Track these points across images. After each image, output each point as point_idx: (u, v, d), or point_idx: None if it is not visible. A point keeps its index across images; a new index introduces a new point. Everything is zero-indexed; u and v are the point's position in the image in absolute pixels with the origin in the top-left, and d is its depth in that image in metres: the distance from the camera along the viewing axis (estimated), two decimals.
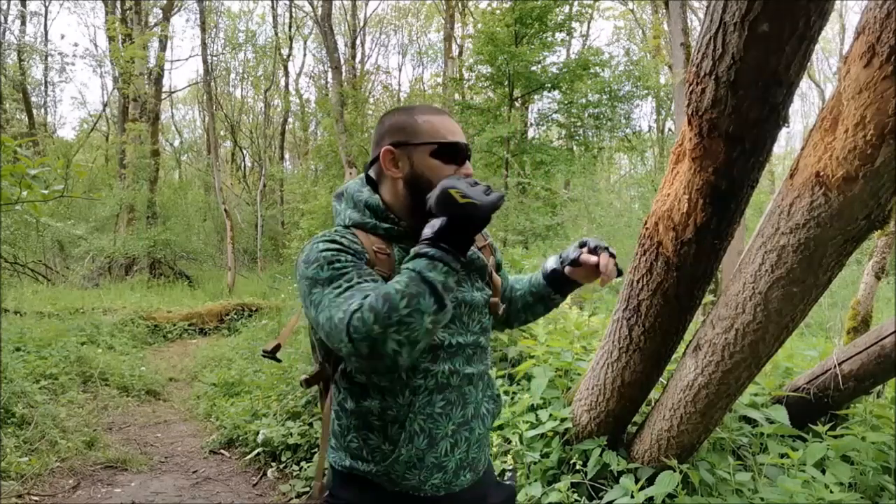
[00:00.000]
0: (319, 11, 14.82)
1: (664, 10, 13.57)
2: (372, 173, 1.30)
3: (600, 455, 2.40)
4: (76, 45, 46.21)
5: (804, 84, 22.71)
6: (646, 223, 1.96)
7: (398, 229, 1.24)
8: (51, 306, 8.70)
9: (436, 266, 1.03)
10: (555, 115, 18.19)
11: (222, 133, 25.73)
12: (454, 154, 1.23)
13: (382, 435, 1.22)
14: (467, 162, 1.25)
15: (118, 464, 4.02)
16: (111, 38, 17.11)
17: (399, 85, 31.74)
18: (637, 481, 2.20)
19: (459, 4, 21.81)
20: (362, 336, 0.99)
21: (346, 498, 1.27)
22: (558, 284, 1.49)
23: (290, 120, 26.63)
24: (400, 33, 29.73)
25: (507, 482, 1.46)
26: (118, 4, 17.44)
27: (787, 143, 24.68)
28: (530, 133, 18.28)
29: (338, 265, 1.12)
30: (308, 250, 1.17)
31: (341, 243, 1.17)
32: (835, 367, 2.52)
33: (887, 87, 1.31)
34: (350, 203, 1.29)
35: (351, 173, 12.63)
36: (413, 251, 1.07)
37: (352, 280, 1.10)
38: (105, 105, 22.55)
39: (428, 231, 1.08)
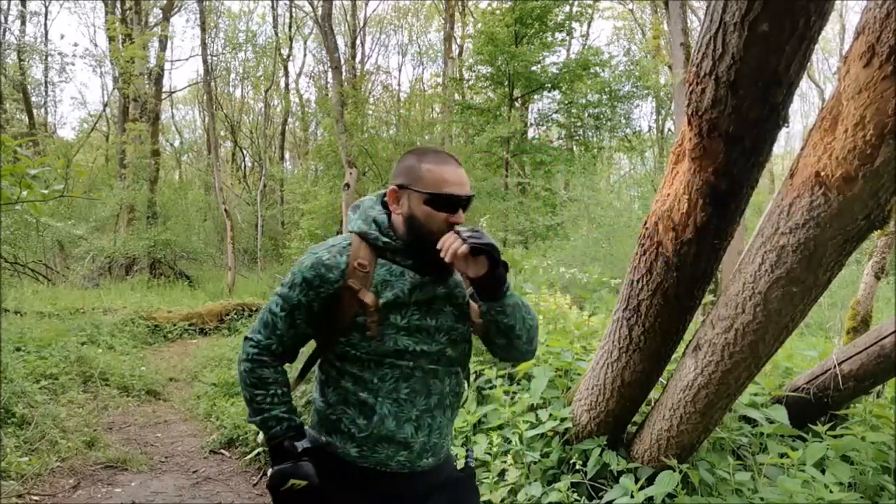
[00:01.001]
0: (319, 11, 14.81)
1: (664, 10, 13.57)
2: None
3: (600, 455, 2.40)
4: (76, 45, 46.21)
5: (804, 84, 22.70)
6: (645, 223, 1.96)
7: (394, 244, 1.43)
8: (51, 306, 8.69)
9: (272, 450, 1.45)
10: (555, 115, 18.18)
11: (222, 133, 25.72)
12: (446, 204, 1.39)
13: (358, 411, 1.41)
14: (460, 211, 1.40)
15: (118, 464, 4.02)
16: (111, 38, 17.11)
17: (399, 85, 31.76)
18: (637, 481, 2.20)
19: (459, 4, 21.80)
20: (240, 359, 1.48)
21: (322, 472, 1.41)
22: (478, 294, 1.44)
23: (291, 120, 26.62)
24: (400, 33, 29.73)
25: (467, 462, 1.61)
26: (118, 4, 17.44)
27: (787, 143, 24.65)
28: (530, 133, 18.28)
29: (291, 294, 1.42)
30: (298, 262, 1.44)
31: (311, 277, 1.40)
32: (834, 367, 2.52)
33: (887, 87, 1.32)
34: (362, 215, 1.48)
35: (351, 173, 12.62)
36: None
37: (277, 314, 1.44)
38: (105, 105, 22.55)
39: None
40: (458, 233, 1.34)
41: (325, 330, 1.44)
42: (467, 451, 1.64)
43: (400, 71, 53.39)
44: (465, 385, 1.57)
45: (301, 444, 1.42)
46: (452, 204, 1.39)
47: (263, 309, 1.47)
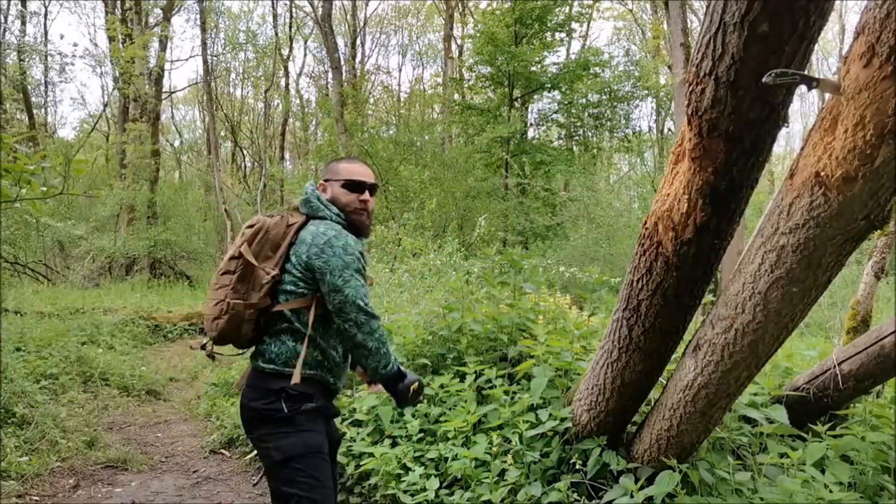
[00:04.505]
0: (320, 12, 14.82)
1: (664, 11, 13.57)
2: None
3: (600, 455, 2.40)
4: (76, 45, 46.08)
5: None
6: (645, 223, 1.96)
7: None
8: (51, 306, 8.69)
9: (393, 379, 1.95)
10: (555, 115, 18.18)
11: (222, 133, 25.72)
12: (355, 187, 2.03)
13: (335, 351, 2.00)
14: (366, 192, 2.04)
15: (118, 463, 4.02)
16: (111, 38, 17.10)
17: (399, 85, 31.77)
18: (637, 481, 2.20)
19: (459, 4, 21.81)
20: (362, 312, 1.85)
21: (306, 391, 1.93)
22: None
23: (291, 120, 26.60)
24: (400, 33, 29.73)
25: None
26: (118, 4, 17.44)
27: (787, 143, 24.65)
28: (530, 133, 18.28)
29: (361, 263, 1.92)
30: (344, 241, 1.91)
31: (359, 251, 1.94)
32: (834, 367, 2.52)
33: (887, 87, 1.32)
34: (328, 208, 2.04)
35: None
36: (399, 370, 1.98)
37: (362, 277, 1.92)
38: (105, 105, 22.54)
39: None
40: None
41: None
42: None
43: (400, 71, 53.40)
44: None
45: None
46: (360, 186, 2.03)
47: (347, 271, 1.86)
